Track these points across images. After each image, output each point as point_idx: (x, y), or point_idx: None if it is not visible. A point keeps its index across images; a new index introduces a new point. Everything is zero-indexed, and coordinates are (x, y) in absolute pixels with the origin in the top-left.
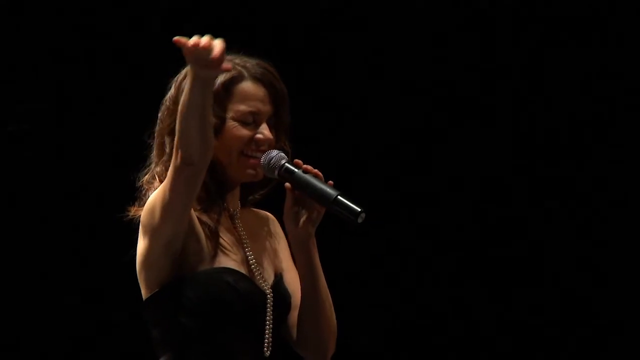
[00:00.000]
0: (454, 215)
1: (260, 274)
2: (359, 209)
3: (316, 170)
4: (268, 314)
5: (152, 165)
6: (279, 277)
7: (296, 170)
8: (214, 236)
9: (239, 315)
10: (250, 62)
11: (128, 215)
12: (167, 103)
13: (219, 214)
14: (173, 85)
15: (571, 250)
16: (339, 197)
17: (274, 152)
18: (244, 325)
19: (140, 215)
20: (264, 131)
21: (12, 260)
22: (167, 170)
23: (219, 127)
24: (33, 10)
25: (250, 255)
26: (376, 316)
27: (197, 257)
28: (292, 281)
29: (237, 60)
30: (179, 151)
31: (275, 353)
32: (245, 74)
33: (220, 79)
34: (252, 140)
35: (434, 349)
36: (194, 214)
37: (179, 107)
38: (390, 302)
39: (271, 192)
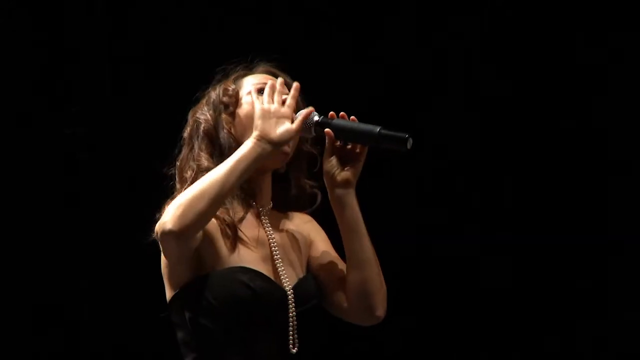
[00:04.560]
0: None
1: (284, 271)
2: (406, 135)
3: (353, 117)
4: (290, 311)
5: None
6: (303, 277)
7: (332, 120)
8: (233, 233)
9: (258, 314)
10: (254, 63)
11: (152, 237)
12: (185, 135)
13: (244, 210)
14: (190, 117)
15: None
16: (382, 130)
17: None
18: (265, 324)
19: None
20: (284, 97)
21: (67, 258)
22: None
23: (234, 108)
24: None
25: (276, 253)
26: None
27: (215, 258)
28: (328, 261)
29: (242, 65)
30: (174, 220)
31: (304, 350)
32: (250, 70)
33: (230, 77)
34: None
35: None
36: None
37: (211, 175)
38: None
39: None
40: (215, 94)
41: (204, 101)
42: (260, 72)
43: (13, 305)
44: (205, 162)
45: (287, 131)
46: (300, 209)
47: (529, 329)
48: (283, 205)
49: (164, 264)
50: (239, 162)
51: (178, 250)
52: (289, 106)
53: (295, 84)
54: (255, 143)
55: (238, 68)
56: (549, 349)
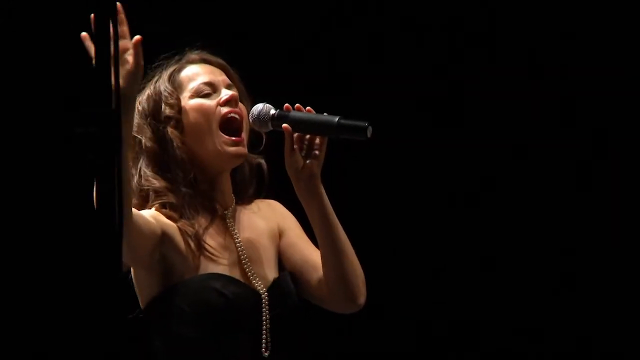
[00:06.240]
0: None
1: (255, 274)
2: (365, 124)
3: (308, 107)
4: (264, 314)
5: None
6: (277, 278)
7: (289, 113)
8: (197, 245)
9: (231, 320)
10: (185, 54)
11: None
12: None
13: (208, 219)
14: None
15: None
16: (341, 120)
17: (260, 105)
18: (239, 328)
19: None
20: (226, 91)
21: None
22: (138, 204)
23: (179, 120)
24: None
25: (244, 257)
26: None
27: (183, 268)
28: (304, 250)
29: (176, 57)
30: None
31: (277, 352)
32: (185, 62)
33: (164, 76)
34: (217, 107)
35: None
36: (170, 227)
37: None
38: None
39: (271, 182)
40: (153, 101)
41: (141, 108)
42: (196, 62)
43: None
44: (156, 182)
45: (127, 75)
46: (257, 187)
47: None
48: (244, 193)
49: (134, 276)
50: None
51: (132, 255)
52: (121, 33)
53: (117, 5)
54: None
55: (171, 62)
56: None
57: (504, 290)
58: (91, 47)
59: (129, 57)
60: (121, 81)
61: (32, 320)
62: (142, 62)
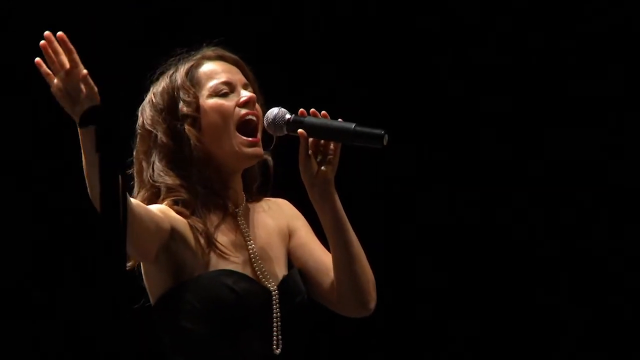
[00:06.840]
0: None
1: (266, 272)
2: (381, 131)
3: (324, 112)
4: (275, 311)
5: (136, 191)
6: (287, 275)
7: (304, 118)
8: (208, 241)
9: (242, 316)
10: (202, 49)
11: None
12: (139, 130)
13: (220, 217)
14: (148, 115)
15: None
16: (357, 127)
17: (275, 110)
18: (250, 325)
19: None
20: (244, 92)
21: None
22: (148, 198)
23: (196, 118)
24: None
25: (254, 254)
26: None
27: (193, 264)
28: (314, 252)
29: (192, 52)
30: None
31: (288, 350)
32: (202, 58)
33: (181, 71)
34: (235, 107)
35: None
36: (180, 222)
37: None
38: None
39: (279, 179)
40: (168, 95)
41: (155, 101)
42: (212, 59)
43: None
44: (169, 179)
45: (84, 101)
46: (263, 183)
47: None
48: (250, 188)
49: (144, 272)
50: (84, 161)
51: (133, 247)
52: (72, 62)
53: (59, 34)
54: (79, 131)
55: (188, 56)
56: None
57: (506, 294)
58: (48, 74)
59: (83, 86)
60: (79, 108)
61: (33, 318)
62: (95, 89)
